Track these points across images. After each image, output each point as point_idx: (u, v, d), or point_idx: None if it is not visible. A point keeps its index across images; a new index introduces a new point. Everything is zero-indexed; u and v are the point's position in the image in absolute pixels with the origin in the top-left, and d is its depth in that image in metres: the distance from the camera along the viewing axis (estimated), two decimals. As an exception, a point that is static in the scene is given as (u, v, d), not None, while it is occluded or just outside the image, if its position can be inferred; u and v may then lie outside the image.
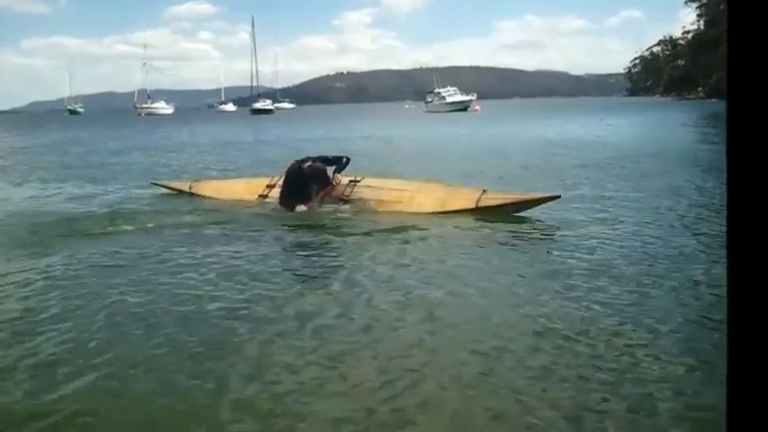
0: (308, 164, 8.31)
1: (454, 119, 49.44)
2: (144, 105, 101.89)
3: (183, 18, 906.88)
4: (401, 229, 6.83)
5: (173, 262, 5.66)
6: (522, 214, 7.35)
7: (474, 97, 73.40)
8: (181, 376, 3.35)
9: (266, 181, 9.07)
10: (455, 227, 6.95)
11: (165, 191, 10.00)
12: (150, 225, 7.30)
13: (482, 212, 7.26)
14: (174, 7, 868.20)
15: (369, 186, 8.13)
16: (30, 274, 5.35)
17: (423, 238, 6.48)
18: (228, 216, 7.84)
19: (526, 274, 5.16)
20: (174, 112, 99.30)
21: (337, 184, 8.24)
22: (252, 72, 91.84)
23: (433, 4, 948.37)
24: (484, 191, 7.60)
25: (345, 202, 8.01)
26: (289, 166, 8.57)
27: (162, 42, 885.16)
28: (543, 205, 7.29)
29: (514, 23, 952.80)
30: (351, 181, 8.26)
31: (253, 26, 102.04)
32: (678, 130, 26.10)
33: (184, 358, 3.56)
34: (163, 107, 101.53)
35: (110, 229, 7.23)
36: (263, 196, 8.83)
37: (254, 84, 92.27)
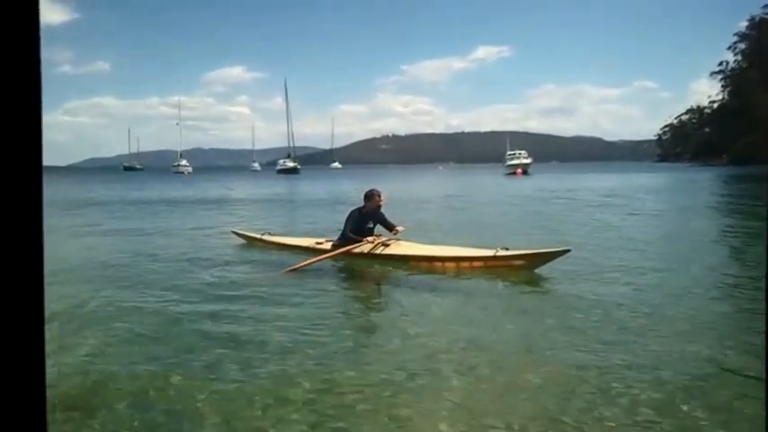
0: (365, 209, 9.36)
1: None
2: (174, 164, 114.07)
3: (219, 82, 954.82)
4: (425, 281, 7.65)
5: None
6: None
7: (531, 160, 77.85)
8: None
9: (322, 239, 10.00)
10: (474, 281, 7.53)
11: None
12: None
13: (498, 269, 7.92)
14: (212, 72, 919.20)
15: (399, 245, 9.02)
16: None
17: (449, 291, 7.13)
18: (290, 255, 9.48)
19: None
20: (193, 171, 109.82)
21: (377, 239, 9.11)
22: (288, 134, 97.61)
23: (456, 73, 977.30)
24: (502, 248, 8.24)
25: (376, 257, 8.87)
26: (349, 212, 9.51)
27: (202, 104, 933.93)
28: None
29: (537, 92, 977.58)
30: (385, 241, 9.15)
31: (286, 90, 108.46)
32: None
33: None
34: (185, 165, 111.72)
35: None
36: (320, 243, 9.74)
37: (291, 144, 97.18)
